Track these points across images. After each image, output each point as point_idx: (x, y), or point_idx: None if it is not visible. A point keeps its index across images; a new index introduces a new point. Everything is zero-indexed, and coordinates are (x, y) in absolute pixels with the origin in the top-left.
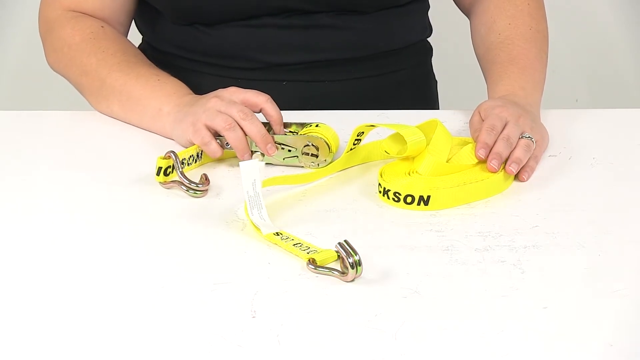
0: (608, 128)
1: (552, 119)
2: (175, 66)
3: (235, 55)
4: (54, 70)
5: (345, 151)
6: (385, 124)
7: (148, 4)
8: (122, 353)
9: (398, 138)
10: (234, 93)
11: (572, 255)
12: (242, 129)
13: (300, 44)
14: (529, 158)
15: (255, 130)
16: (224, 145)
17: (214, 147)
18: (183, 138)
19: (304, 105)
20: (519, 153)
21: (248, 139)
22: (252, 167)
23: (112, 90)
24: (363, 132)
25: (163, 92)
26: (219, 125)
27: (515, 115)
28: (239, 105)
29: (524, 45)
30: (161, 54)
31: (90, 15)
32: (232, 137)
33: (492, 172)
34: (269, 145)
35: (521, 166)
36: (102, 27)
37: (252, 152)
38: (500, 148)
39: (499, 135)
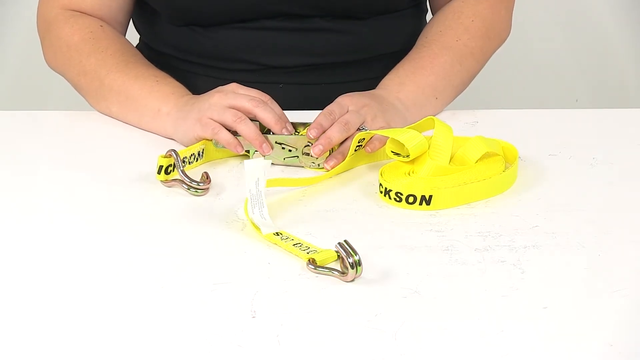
0: (608, 128)
1: (552, 119)
2: (172, 67)
3: (231, 57)
4: (52, 69)
5: (348, 156)
6: (384, 130)
7: (146, 3)
8: (122, 353)
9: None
10: (236, 88)
11: (572, 255)
12: (255, 117)
13: (296, 47)
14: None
15: (269, 116)
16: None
17: (224, 134)
18: (188, 136)
19: (300, 108)
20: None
21: (246, 141)
22: (257, 166)
23: (110, 90)
24: (364, 139)
25: (161, 92)
26: (229, 119)
27: (359, 104)
28: (246, 96)
29: (438, 52)
30: (158, 54)
31: (89, 15)
32: (244, 129)
33: (316, 155)
34: (284, 129)
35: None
36: (101, 26)
37: (255, 152)
38: (334, 132)
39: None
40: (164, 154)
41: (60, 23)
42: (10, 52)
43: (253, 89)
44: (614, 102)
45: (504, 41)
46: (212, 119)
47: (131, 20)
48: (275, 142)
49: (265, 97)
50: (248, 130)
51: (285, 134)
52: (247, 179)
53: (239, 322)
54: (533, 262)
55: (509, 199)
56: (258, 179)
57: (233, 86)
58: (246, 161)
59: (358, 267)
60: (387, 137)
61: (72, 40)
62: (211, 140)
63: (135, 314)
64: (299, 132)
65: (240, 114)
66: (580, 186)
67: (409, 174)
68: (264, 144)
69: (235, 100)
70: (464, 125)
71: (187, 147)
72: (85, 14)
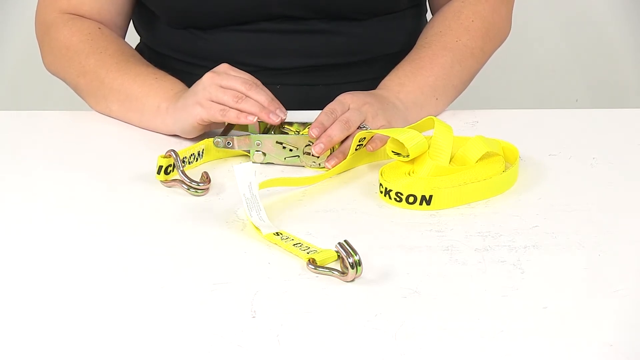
0: (608, 128)
1: (552, 119)
2: (171, 68)
3: (230, 59)
4: (51, 73)
5: (349, 155)
6: (384, 130)
7: (145, 6)
8: (122, 353)
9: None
10: (227, 70)
11: (572, 255)
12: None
13: (295, 49)
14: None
15: (262, 98)
16: (225, 145)
17: (233, 112)
18: (189, 122)
19: (298, 108)
20: (336, 133)
21: (250, 139)
22: (247, 170)
23: (110, 90)
24: (365, 138)
25: (160, 89)
26: (230, 101)
27: (359, 102)
28: (239, 79)
29: (438, 52)
30: (158, 55)
31: (87, 18)
32: (247, 106)
33: (317, 154)
34: (278, 110)
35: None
36: (99, 28)
37: (255, 152)
38: (335, 131)
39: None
40: (163, 154)
41: (58, 26)
42: (11, 52)
43: (244, 72)
44: (614, 102)
45: (504, 41)
46: (211, 100)
47: (131, 22)
48: (276, 142)
49: (257, 81)
50: (251, 106)
51: (281, 115)
52: (239, 184)
53: (239, 322)
54: (533, 262)
55: (509, 199)
56: (250, 182)
57: (225, 67)
58: (235, 166)
59: (358, 267)
60: (388, 136)
61: (70, 42)
62: (212, 138)
63: (135, 313)
64: (299, 132)
65: (239, 93)
66: (580, 186)
67: (409, 174)
68: (271, 114)
69: (229, 81)
70: (464, 125)
71: (190, 137)
72: (84, 17)
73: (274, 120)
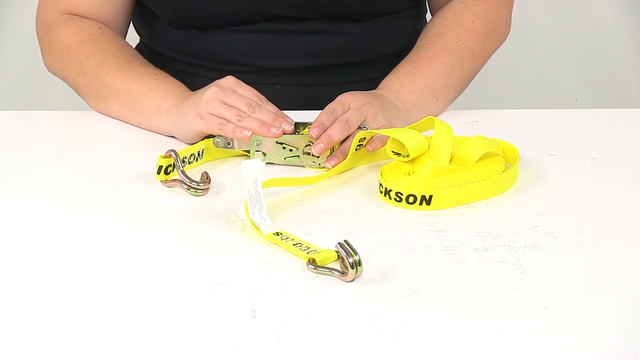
0: (608, 128)
1: (552, 119)
2: (171, 68)
3: (230, 59)
4: (51, 72)
5: (349, 155)
6: (384, 130)
7: (145, 6)
8: (122, 353)
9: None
10: (233, 85)
11: (572, 255)
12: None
13: (294, 49)
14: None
15: (265, 116)
16: (225, 145)
17: (231, 126)
18: (188, 131)
19: (298, 108)
20: (336, 133)
21: (250, 139)
22: (255, 166)
23: (110, 90)
24: (365, 138)
25: (161, 90)
26: (231, 118)
27: (360, 102)
28: (244, 99)
29: (438, 53)
30: (158, 55)
31: (88, 18)
32: (249, 124)
33: (317, 154)
34: (283, 123)
35: (331, 145)
36: (100, 28)
37: (255, 152)
38: (335, 131)
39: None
40: (163, 154)
41: (59, 26)
42: (11, 52)
43: (249, 88)
44: (614, 102)
45: (504, 41)
46: (211, 114)
47: (131, 22)
48: (276, 142)
49: (262, 99)
50: (253, 124)
51: (285, 127)
52: (245, 180)
53: (239, 322)
54: (533, 262)
55: (509, 199)
56: (256, 179)
57: (231, 82)
58: (243, 162)
59: (358, 267)
60: (388, 136)
61: (71, 42)
62: (212, 138)
63: (135, 313)
64: (299, 132)
65: (240, 111)
66: (580, 186)
67: (409, 174)
68: (271, 127)
69: (233, 100)
70: (464, 125)
71: (187, 143)
72: (84, 17)
73: (275, 132)
